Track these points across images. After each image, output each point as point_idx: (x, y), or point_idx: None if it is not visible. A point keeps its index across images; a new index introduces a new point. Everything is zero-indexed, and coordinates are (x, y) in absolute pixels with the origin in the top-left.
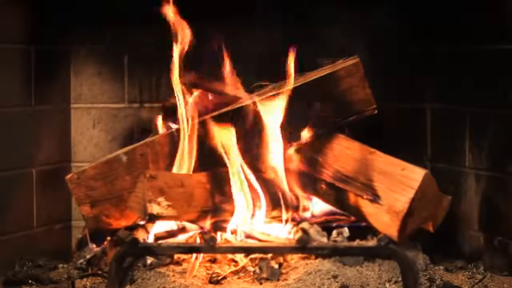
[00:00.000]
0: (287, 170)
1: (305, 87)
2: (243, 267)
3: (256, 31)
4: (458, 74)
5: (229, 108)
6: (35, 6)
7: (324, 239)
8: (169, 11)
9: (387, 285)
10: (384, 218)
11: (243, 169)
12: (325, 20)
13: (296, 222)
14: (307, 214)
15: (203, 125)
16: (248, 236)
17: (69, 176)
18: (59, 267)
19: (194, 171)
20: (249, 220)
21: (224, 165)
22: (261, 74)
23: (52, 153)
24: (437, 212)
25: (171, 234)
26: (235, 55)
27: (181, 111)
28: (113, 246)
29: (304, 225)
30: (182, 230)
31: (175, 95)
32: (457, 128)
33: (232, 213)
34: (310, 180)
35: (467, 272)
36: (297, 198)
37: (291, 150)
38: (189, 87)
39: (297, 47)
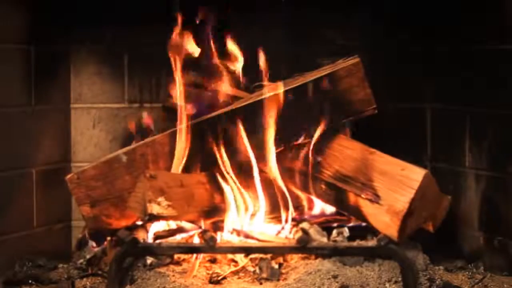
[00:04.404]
0: (287, 170)
1: (305, 87)
2: (243, 267)
3: (256, 30)
4: (458, 74)
5: (228, 108)
6: (35, 6)
7: (324, 239)
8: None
9: (387, 285)
10: (384, 218)
11: (242, 170)
12: (325, 20)
13: (296, 222)
14: (307, 214)
15: (202, 125)
16: (248, 236)
17: (69, 176)
18: (59, 267)
19: (193, 171)
20: (249, 220)
21: (224, 165)
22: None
23: (52, 153)
24: (437, 212)
25: (171, 233)
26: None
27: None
28: (113, 246)
29: (304, 225)
30: (182, 229)
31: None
32: (457, 128)
33: (231, 213)
34: (310, 180)
35: (467, 272)
36: (297, 198)
37: (291, 150)
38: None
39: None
